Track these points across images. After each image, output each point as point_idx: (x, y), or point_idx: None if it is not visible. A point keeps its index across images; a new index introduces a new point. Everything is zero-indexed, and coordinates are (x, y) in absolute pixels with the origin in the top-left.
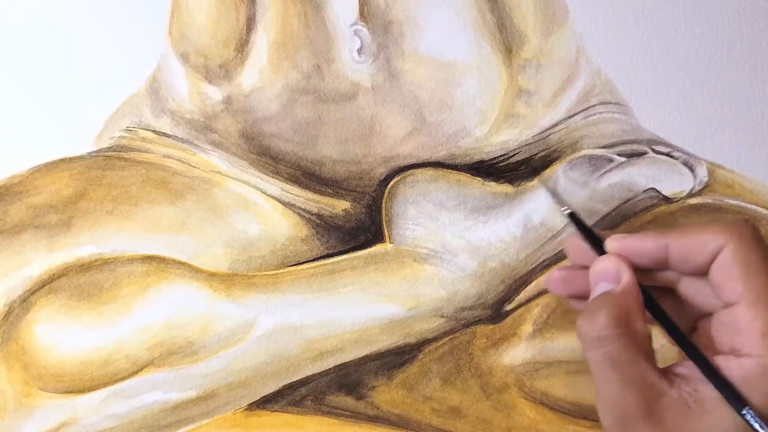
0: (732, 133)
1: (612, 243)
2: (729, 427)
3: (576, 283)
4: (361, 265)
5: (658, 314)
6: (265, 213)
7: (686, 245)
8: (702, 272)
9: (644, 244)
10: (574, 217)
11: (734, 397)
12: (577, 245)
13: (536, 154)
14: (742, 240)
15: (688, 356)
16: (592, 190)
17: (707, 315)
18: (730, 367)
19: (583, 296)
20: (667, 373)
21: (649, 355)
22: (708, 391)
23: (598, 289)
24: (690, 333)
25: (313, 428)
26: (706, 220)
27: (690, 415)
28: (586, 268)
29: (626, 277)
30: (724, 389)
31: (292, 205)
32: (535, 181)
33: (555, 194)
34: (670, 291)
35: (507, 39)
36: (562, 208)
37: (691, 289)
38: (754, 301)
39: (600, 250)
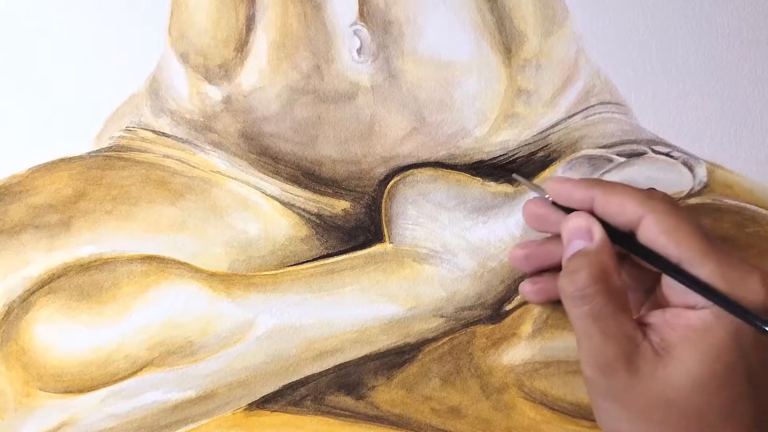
0: (732, 133)
1: (550, 186)
2: (695, 370)
3: (538, 258)
4: (360, 265)
5: (637, 249)
6: (264, 213)
7: (608, 205)
8: (625, 230)
9: (574, 194)
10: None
11: (735, 306)
12: (535, 211)
13: (536, 154)
14: (660, 209)
15: (678, 280)
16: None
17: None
18: (688, 317)
19: (546, 269)
20: (638, 324)
21: (625, 307)
22: (673, 338)
23: (572, 246)
24: (650, 294)
25: (313, 428)
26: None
27: (660, 362)
28: (543, 242)
29: (598, 233)
30: (723, 301)
31: (292, 205)
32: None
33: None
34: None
35: (507, 39)
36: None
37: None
38: (692, 262)
39: (566, 209)
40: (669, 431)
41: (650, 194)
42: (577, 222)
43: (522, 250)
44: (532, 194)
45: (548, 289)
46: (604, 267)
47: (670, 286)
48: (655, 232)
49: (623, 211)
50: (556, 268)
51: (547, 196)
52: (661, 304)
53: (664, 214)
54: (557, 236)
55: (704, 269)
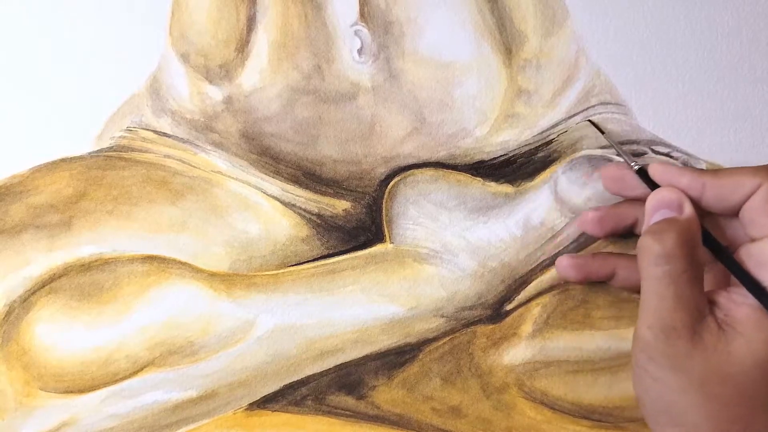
0: (732, 133)
1: (655, 168)
2: (758, 347)
3: (611, 221)
4: (361, 265)
5: (705, 238)
6: (265, 213)
7: (722, 185)
8: (733, 212)
9: (682, 179)
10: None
11: None
12: (615, 174)
13: (536, 154)
14: None
15: (733, 274)
16: (592, 190)
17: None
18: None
19: (614, 234)
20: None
21: (701, 280)
22: (738, 315)
23: (658, 215)
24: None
25: (314, 428)
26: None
27: (724, 337)
28: (616, 206)
29: (688, 207)
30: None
31: (293, 205)
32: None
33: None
34: None
35: (507, 39)
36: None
37: (717, 224)
38: None
39: (652, 184)
40: (721, 405)
41: (765, 166)
42: (668, 194)
43: (596, 212)
44: (532, 194)
45: (583, 267)
46: (693, 235)
47: (746, 258)
48: (763, 199)
49: (740, 183)
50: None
51: (634, 165)
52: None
53: None
54: (631, 201)
55: None
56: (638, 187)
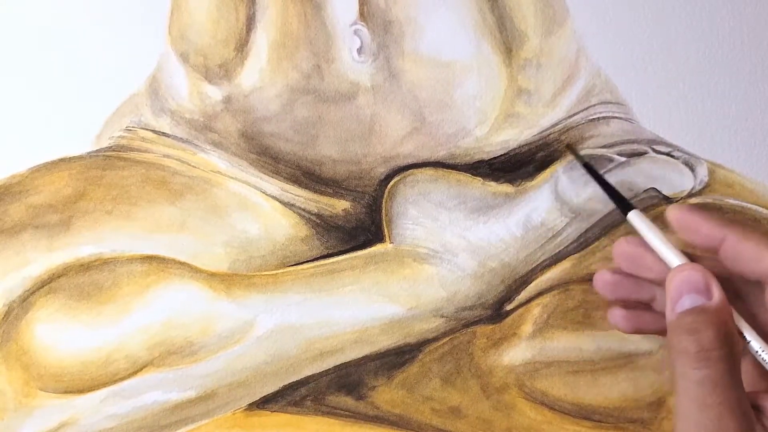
0: (732, 133)
1: (673, 212)
2: None
3: (625, 291)
4: (361, 265)
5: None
6: (265, 213)
7: (742, 250)
8: (751, 279)
9: (702, 228)
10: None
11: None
12: (628, 251)
13: (536, 153)
14: None
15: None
16: (593, 191)
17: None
18: None
19: (628, 302)
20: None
21: (741, 380)
22: None
23: (684, 301)
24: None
25: (313, 428)
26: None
27: None
28: (637, 279)
29: (717, 291)
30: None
31: (292, 204)
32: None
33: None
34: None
35: (507, 39)
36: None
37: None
38: None
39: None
40: None
41: None
42: (692, 275)
43: (610, 275)
44: (532, 194)
45: (639, 320)
46: (728, 328)
47: None
48: None
49: (759, 258)
50: (642, 305)
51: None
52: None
53: None
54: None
55: None
56: (656, 267)
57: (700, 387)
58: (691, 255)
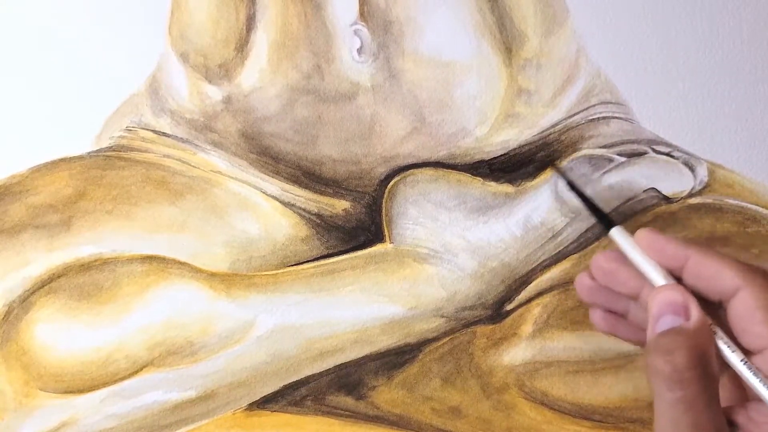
0: (732, 133)
1: (641, 235)
2: None
3: (604, 299)
4: (361, 265)
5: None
6: (265, 213)
7: (701, 273)
8: (712, 299)
9: (666, 249)
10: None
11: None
12: (604, 266)
13: (536, 154)
14: (759, 284)
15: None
16: (592, 190)
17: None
18: None
19: (607, 310)
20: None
21: (718, 398)
22: None
23: (663, 322)
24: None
25: (313, 428)
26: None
27: None
28: (613, 291)
29: (695, 310)
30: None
31: (292, 204)
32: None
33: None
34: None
35: (507, 39)
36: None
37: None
38: None
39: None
40: None
41: (751, 267)
42: (671, 296)
43: (589, 281)
44: (532, 194)
45: (616, 326)
46: (703, 350)
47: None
48: (751, 307)
49: (719, 277)
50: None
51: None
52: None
53: (764, 289)
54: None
55: None
56: (628, 282)
57: (674, 408)
58: (674, 274)
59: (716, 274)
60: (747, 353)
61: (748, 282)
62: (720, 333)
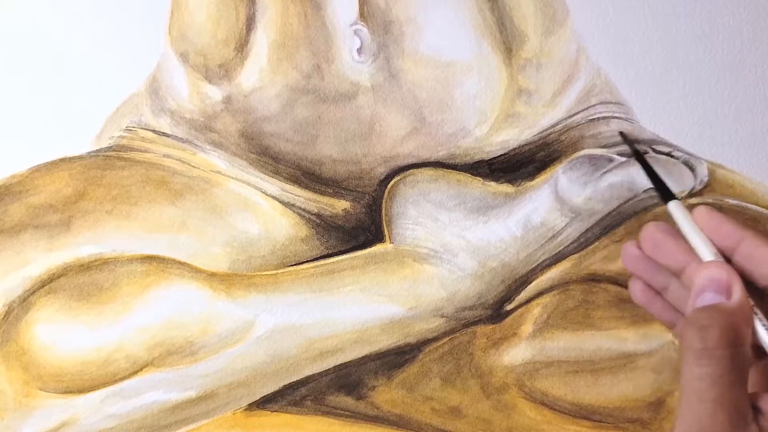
0: (732, 133)
1: (701, 211)
2: None
3: (644, 267)
4: (361, 264)
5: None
6: (264, 213)
7: (756, 253)
8: (761, 285)
9: (724, 226)
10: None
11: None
12: (655, 236)
13: (536, 153)
14: None
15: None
16: (592, 190)
17: None
18: None
19: (647, 284)
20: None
21: (746, 380)
22: None
23: (705, 298)
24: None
25: (313, 428)
26: None
27: None
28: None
29: (738, 291)
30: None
31: (292, 204)
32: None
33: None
34: None
35: (507, 38)
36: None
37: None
38: None
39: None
40: None
41: None
42: (716, 272)
43: (636, 250)
44: (532, 194)
45: (652, 302)
46: (738, 330)
47: None
48: None
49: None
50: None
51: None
52: None
53: None
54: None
55: None
56: (675, 256)
57: (700, 382)
58: (725, 254)
59: (767, 259)
60: None
61: None
62: (761, 316)
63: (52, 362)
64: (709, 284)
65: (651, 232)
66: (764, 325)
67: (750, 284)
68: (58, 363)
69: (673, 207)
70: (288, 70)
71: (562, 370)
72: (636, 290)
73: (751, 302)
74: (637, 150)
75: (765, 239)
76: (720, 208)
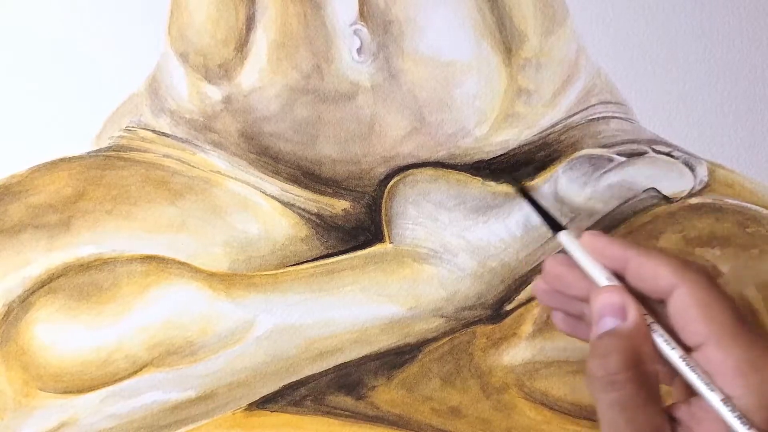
0: (732, 133)
1: (586, 237)
2: None
3: (557, 300)
4: (360, 265)
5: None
6: (264, 213)
7: (642, 270)
8: (654, 298)
9: (607, 249)
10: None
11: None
12: (555, 270)
13: (536, 153)
14: (695, 281)
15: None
16: (592, 190)
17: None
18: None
19: (568, 312)
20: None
21: (656, 396)
22: None
23: (603, 324)
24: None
25: (313, 428)
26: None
27: None
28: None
29: (633, 312)
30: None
31: (292, 204)
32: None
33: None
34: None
35: (507, 38)
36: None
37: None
38: (721, 341)
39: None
40: None
41: (687, 264)
42: (609, 297)
43: (544, 285)
44: (532, 194)
45: (575, 327)
46: (637, 351)
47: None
48: (687, 304)
49: (656, 276)
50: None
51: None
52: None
53: (699, 286)
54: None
55: (732, 351)
56: (577, 285)
57: (609, 409)
58: (618, 274)
59: (654, 273)
60: (688, 350)
61: (683, 280)
62: (660, 331)
63: (51, 362)
64: (604, 309)
65: (551, 266)
66: (664, 339)
67: (646, 299)
68: (57, 363)
69: (563, 237)
70: (288, 70)
71: (562, 370)
72: (558, 321)
73: (649, 319)
74: (520, 186)
75: (649, 252)
76: (720, 208)
